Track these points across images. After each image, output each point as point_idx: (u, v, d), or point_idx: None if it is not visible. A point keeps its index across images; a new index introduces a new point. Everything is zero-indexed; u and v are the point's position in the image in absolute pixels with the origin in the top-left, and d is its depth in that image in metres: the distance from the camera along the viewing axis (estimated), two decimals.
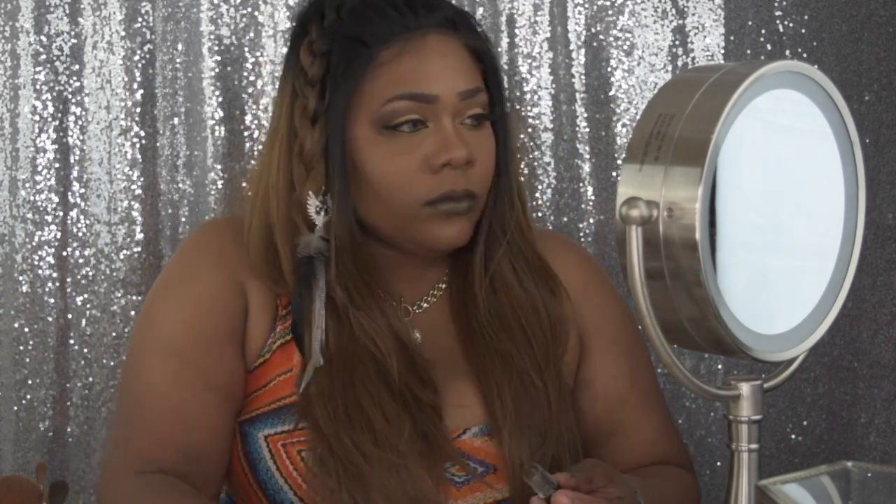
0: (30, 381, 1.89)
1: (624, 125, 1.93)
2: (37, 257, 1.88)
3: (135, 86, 1.89)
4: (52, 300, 1.88)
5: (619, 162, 1.93)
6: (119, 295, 1.89)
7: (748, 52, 1.91)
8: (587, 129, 1.93)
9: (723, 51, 1.92)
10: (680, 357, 1.88)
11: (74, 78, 1.88)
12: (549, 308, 1.30)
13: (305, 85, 1.23)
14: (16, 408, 1.89)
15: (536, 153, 1.93)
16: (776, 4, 1.91)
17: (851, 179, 0.94)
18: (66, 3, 1.88)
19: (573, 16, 1.92)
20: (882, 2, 1.90)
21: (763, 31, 1.92)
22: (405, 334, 1.24)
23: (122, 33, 1.89)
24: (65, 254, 1.89)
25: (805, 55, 1.90)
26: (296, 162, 1.23)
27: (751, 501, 0.92)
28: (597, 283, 1.36)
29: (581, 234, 1.94)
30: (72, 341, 1.89)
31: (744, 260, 0.88)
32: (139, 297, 1.89)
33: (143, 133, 1.90)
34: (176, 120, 1.90)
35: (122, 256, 1.90)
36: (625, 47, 1.92)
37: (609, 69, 1.93)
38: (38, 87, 1.88)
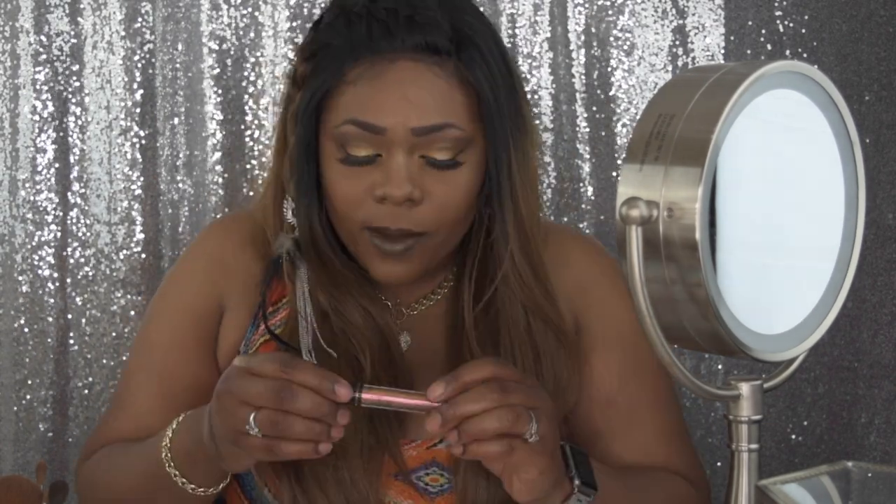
0: (30, 381, 1.89)
1: (624, 125, 1.93)
2: (37, 257, 1.88)
3: (135, 86, 1.89)
4: (52, 300, 1.88)
5: (619, 162, 1.93)
6: (119, 295, 1.89)
7: (748, 52, 1.91)
8: (587, 129, 1.93)
9: (723, 51, 1.92)
10: (680, 357, 1.87)
11: (74, 78, 1.88)
12: (555, 367, 1.25)
13: (293, 85, 1.24)
14: (16, 408, 1.89)
15: (536, 153, 1.93)
16: (776, 4, 1.91)
17: (851, 179, 0.94)
18: (66, 3, 1.88)
19: (573, 16, 1.92)
20: (882, 2, 1.90)
21: (763, 31, 1.92)
22: (389, 333, 1.24)
23: (122, 33, 1.89)
24: (65, 254, 1.89)
25: (805, 55, 1.90)
26: (285, 163, 1.25)
27: (751, 501, 0.92)
28: (601, 282, 1.33)
29: None
30: (72, 341, 1.89)
31: (744, 260, 0.88)
32: (139, 297, 1.89)
33: (143, 133, 1.90)
34: (176, 120, 1.90)
35: (122, 256, 1.90)
36: (625, 47, 1.92)
37: (609, 69, 1.93)
38: (38, 87, 1.88)
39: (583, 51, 1.92)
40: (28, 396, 1.89)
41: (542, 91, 1.92)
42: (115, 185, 1.90)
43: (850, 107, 0.93)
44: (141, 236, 1.90)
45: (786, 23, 1.91)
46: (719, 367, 1.94)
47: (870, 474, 0.94)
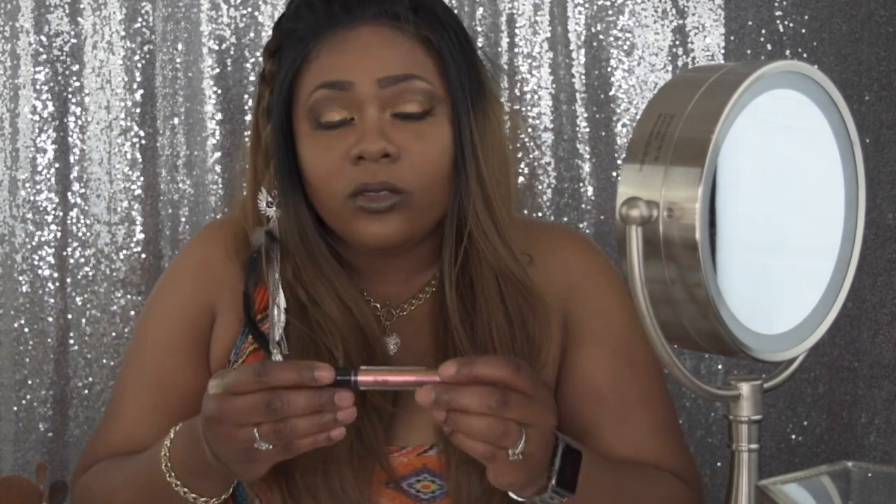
0: (30, 381, 1.89)
1: (624, 125, 1.93)
2: (37, 257, 1.88)
3: (135, 86, 1.89)
4: (52, 300, 1.88)
5: (619, 162, 1.93)
6: (119, 295, 1.89)
7: (748, 52, 1.91)
8: (587, 129, 1.93)
9: (723, 51, 1.92)
10: (680, 357, 1.87)
11: (74, 78, 1.88)
12: (528, 329, 1.26)
13: (262, 83, 1.26)
14: (16, 408, 1.89)
15: (536, 153, 1.93)
16: (776, 4, 1.91)
17: (851, 179, 0.94)
18: (66, 3, 1.88)
19: (573, 16, 1.92)
20: (882, 2, 1.90)
21: (763, 31, 1.92)
22: (370, 330, 1.24)
23: (122, 33, 1.89)
24: (65, 254, 1.89)
25: (805, 55, 1.90)
26: (259, 157, 1.26)
27: (751, 501, 0.92)
28: (593, 277, 1.33)
29: None
30: (72, 341, 1.89)
31: (744, 260, 0.88)
32: (139, 297, 1.89)
33: (143, 133, 1.90)
34: (176, 120, 1.90)
35: (122, 256, 1.90)
36: (625, 47, 1.92)
37: (609, 69, 1.93)
38: (38, 87, 1.88)
39: (583, 51, 1.92)
40: (28, 396, 1.89)
41: (542, 91, 1.92)
42: (115, 185, 1.90)
43: (850, 107, 0.93)
44: (141, 236, 1.90)
45: (786, 23, 1.92)
46: (719, 367, 1.94)
47: (870, 474, 0.94)
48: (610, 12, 1.92)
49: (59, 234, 1.89)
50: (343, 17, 1.21)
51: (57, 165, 1.89)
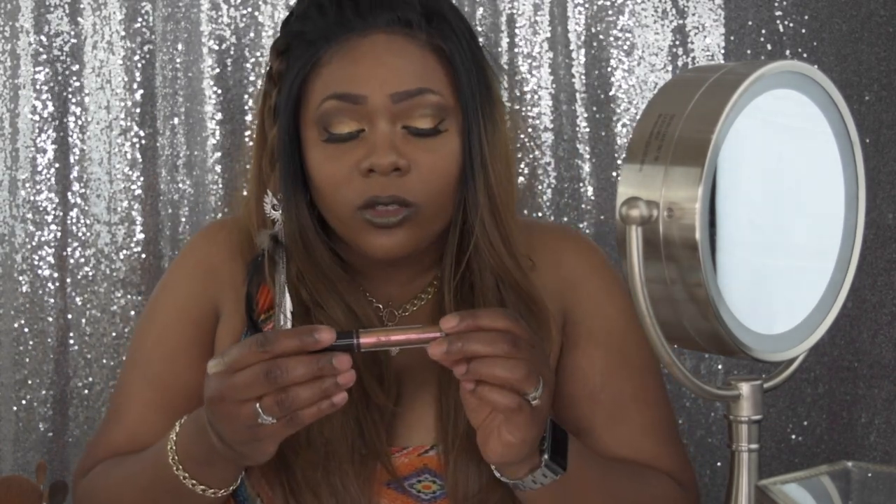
0: (30, 381, 1.89)
1: (624, 125, 1.93)
2: (37, 257, 1.88)
3: (135, 86, 1.89)
4: (52, 300, 1.88)
5: (619, 162, 1.93)
6: (119, 295, 1.89)
7: (748, 52, 1.91)
8: (587, 129, 1.93)
9: (723, 51, 1.92)
10: (680, 357, 1.88)
11: (74, 78, 1.88)
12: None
13: (270, 82, 1.25)
14: (16, 408, 1.89)
15: (536, 153, 1.93)
16: (776, 4, 1.91)
17: (851, 179, 0.94)
18: (66, 3, 1.88)
19: (573, 16, 1.92)
20: (882, 2, 1.90)
21: (763, 31, 1.92)
22: None
23: (122, 33, 1.89)
24: (65, 254, 1.89)
25: (805, 55, 1.90)
26: (265, 159, 1.25)
27: (751, 501, 0.92)
28: (591, 279, 1.33)
29: None
30: (72, 341, 1.89)
31: (744, 260, 0.88)
32: (139, 297, 1.89)
33: (143, 133, 1.90)
34: (176, 120, 1.90)
35: (122, 256, 1.90)
36: (625, 47, 1.92)
37: (609, 69, 1.93)
38: (38, 87, 1.88)
39: (583, 51, 1.92)
40: (28, 396, 1.89)
41: (542, 91, 1.92)
42: (115, 185, 1.90)
43: (850, 107, 0.93)
44: (141, 236, 1.90)
45: (786, 23, 1.92)
46: (719, 367, 1.94)
47: (870, 474, 0.94)
48: (610, 12, 1.92)
49: (59, 234, 1.89)
50: (356, 23, 1.19)
51: (57, 165, 1.89)
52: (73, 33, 1.88)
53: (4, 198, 1.88)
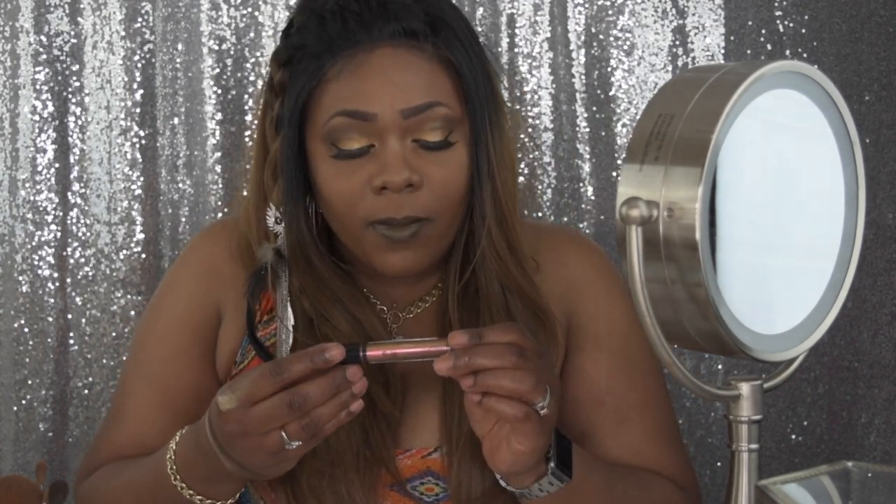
0: (30, 381, 1.89)
1: (624, 125, 1.93)
2: (37, 257, 1.88)
3: (135, 86, 1.89)
4: (52, 300, 1.88)
5: (619, 162, 1.93)
6: (119, 295, 1.89)
7: (748, 52, 1.91)
8: (587, 129, 1.93)
9: (723, 51, 1.92)
10: (680, 357, 1.88)
11: (74, 78, 1.88)
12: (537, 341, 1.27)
13: (271, 93, 1.24)
14: (16, 408, 1.89)
15: (536, 153, 1.93)
16: (776, 4, 1.91)
17: (851, 179, 0.94)
18: (66, 3, 1.88)
19: (573, 16, 1.92)
20: (882, 2, 1.90)
21: (763, 31, 1.92)
22: (378, 338, 1.24)
23: (122, 33, 1.89)
24: (65, 254, 1.89)
25: (805, 55, 1.90)
26: (267, 171, 1.24)
27: (751, 501, 0.92)
28: (596, 282, 1.32)
29: None
30: (72, 341, 1.89)
31: (744, 260, 0.88)
32: (139, 297, 1.89)
33: (143, 133, 1.90)
34: (176, 120, 1.90)
35: (122, 256, 1.90)
36: (625, 47, 1.92)
37: (609, 69, 1.93)
38: (38, 87, 1.88)
39: (583, 51, 1.92)
40: (28, 396, 1.89)
41: (542, 91, 1.92)
42: (115, 185, 1.90)
43: (850, 107, 0.92)
44: (141, 236, 1.90)
45: (786, 23, 1.92)
46: (719, 367, 1.94)
47: (870, 474, 0.94)
48: (610, 12, 1.92)
49: (59, 234, 1.89)
50: (361, 37, 1.18)
51: (57, 165, 1.89)
52: (73, 33, 1.88)
53: (4, 198, 1.88)
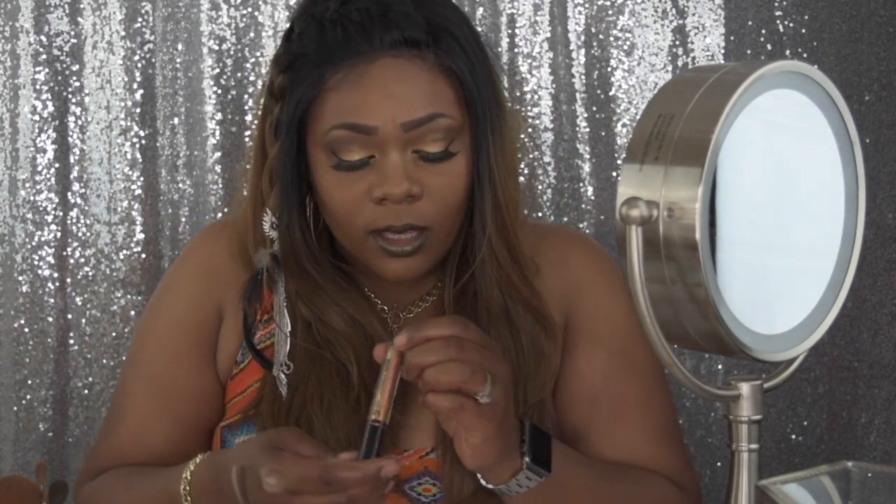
0: (30, 381, 1.89)
1: (624, 125, 1.93)
2: (37, 257, 1.88)
3: (135, 86, 1.89)
4: (52, 300, 1.88)
5: (619, 162, 1.93)
6: (119, 295, 1.89)
7: (748, 52, 1.91)
8: (587, 129, 1.93)
9: (723, 51, 1.92)
10: (680, 357, 1.87)
11: (74, 78, 1.88)
12: (536, 345, 1.26)
13: (271, 97, 1.23)
14: (16, 408, 1.89)
15: (536, 153, 1.93)
16: (776, 4, 1.91)
17: (851, 179, 0.94)
18: (66, 3, 1.88)
19: (573, 16, 1.92)
20: (882, 2, 1.90)
21: (763, 31, 1.92)
22: (378, 338, 1.24)
23: (122, 33, 1.89)
24: (65, 254, 1.89)
25: (805, 55, 1.90)
26: (265, 176, 1.24)
27: (751, 501, 0.92)
28: (596, 281, 1.32)
29: None
30: (72, 341, 1.89)
31: (744, 260, 0.88)
32: (139, 297, 1.89)
33: (143, 133, 1.90)
34: (176, 120, 1.90)
35: (122, 256, 1.90)
36: (625, 47, 1.92)
37: (609, 69, 1.93)
38: (38, 87, 1.88)
39: (583, 51, 1.92)
40: (28, 396, 1.89)
41: (542, 91, 1.92)
42: (115, 185, 1.90)
43: (850, 107, 0.92)
44: (141, 236, 1.90)
45: (786, 23, 1.92)
46: (719, 367, 1.94)
47: (870, 474, 0.94)
48: (610, 12, 1.92)
49: (59, 234, 1.89)
50: (362, 46, 1.16)
51: (57, 165, 1.89)
52: (73, 33, 1.88)
53: (4, 198, 1.88)
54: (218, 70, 1.89)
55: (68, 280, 1.89)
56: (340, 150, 1.18)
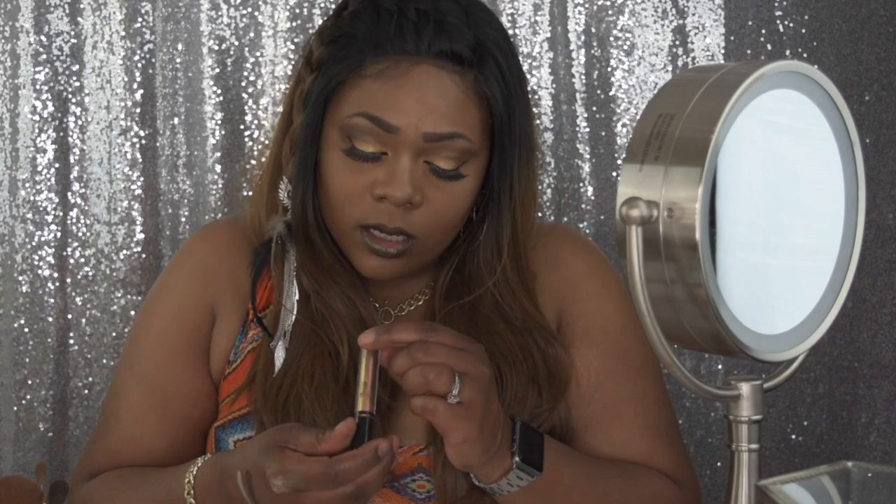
0: (30, 381, 1.89)
1: (624, 125, 1.93)
2: (37, 257, 1.88)
3: (135, 86, 1.89)
4: (52, 300, 1.88)
5: (619, 162, 1.93)
6: (119, 295, 1.89)
7: (748, 52, 1.91)
8: (587, 129, 1.93)
9: (723, 51, 1.92)
10: (680, 357, 1.88)
11: (74, 78, 1.88)
12: (545, 353, 1.27)
13: (307, 67, 1.24)
14: (16, 408, 1.89)
15: (536, 153, 1.93)
16: (776, 4, 1.91)
17: (851, 179, 0.94)
18: (66, 3, 1.88)
19: (573, 16, 1.92)
20: (882, 2, 1.90)
21: (763, 31, 1.92)
22: (372, 325, 1.25)
23: (122, 33, 1.89)
24: (65, 254, 1.89)
25: (805, 55, 1.90)
26: (286, 143, 1.25)
27: (751, 501, 0.92)
28: (590, 279, 1.33)
29: None
30: (72, 341, 1.89)
31: (744, 260, 0.88)
32: (139, 297, 1.89)
33: (143, 133, 1.90)
34: (176, 120, 1.90)
35: (122, 256, 1.90)
36: (625, 47, 1.92)
37: (609, 69, 1.93)
38: (38, 87, 1.88)
39: (583, 51, 1.92)
40: (28, 396, 1.89)
41: (542, 91, 1.92)
42: (115, 185, 1.90)
43: (850, 107, 0.93)
44: (141, 236, 1.90)
45: (786, 23, 1.92)
46: (719, 367, 1.94)
47: (870, 474, 0.94)
48: (610, 12, 1.92)
49: (59, 234, 1.89)
50: (410, 46, 1.17)
51: (57, 165, 1.89)
52: (73, 33, 1.88)
53: (4, 198, 1.88)
54: (218, 70, 1.89)
55: (68, 280, 1.89)
56: (356, 137, 1.18)
